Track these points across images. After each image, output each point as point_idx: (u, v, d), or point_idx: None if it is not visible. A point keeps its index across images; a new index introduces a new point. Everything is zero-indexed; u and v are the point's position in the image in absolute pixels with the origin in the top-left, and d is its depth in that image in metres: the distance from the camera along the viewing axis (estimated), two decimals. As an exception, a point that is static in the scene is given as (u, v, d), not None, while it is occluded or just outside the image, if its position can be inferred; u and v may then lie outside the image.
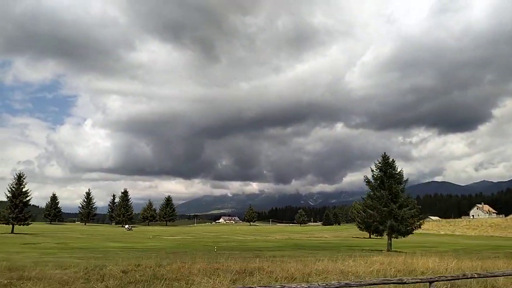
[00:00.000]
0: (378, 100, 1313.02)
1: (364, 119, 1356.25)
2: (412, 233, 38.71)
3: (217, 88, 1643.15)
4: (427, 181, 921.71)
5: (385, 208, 37.21)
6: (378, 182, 37.92)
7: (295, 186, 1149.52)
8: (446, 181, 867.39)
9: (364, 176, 39.16)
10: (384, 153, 39.29)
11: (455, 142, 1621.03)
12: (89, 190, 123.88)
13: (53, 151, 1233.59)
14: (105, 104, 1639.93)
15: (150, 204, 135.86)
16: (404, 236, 38.42)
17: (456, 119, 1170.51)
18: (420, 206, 38.65)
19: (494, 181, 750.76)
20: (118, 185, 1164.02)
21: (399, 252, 31.65)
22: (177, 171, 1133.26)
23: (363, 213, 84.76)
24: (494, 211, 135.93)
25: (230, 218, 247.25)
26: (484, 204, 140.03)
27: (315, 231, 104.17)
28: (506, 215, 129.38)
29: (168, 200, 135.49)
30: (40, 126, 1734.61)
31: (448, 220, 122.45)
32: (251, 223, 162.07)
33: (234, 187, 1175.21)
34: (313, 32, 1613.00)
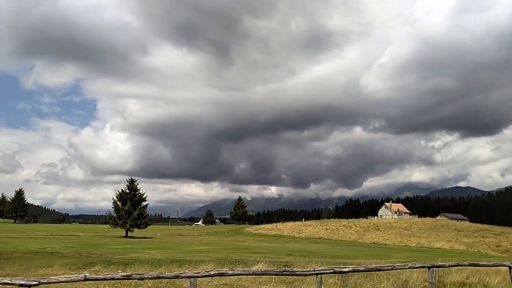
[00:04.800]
0: (396, 103, 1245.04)
1: (382, 122, 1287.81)
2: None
3: (233, 91, 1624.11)
4: (450, 186, 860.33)
5: None
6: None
7: (314, 190, 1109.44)
8: (471, 186, 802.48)
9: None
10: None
11: (480, 147, 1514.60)
12: None
13: (75, 154, 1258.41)
14: (124, 108, 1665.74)
15: (2, 198, 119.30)
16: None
17: (479, 123, 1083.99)
18: None
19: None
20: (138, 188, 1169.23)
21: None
22: (196, 174, 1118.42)
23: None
24: (407, 211, 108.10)
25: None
26: (393, 203, 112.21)
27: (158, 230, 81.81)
28: (420, 217, 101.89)
29: (19, 193, 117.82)
30: (65, 129, 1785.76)
31: (326, 220, 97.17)
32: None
33: (253, 190, 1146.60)
34: (328, 34, 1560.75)
